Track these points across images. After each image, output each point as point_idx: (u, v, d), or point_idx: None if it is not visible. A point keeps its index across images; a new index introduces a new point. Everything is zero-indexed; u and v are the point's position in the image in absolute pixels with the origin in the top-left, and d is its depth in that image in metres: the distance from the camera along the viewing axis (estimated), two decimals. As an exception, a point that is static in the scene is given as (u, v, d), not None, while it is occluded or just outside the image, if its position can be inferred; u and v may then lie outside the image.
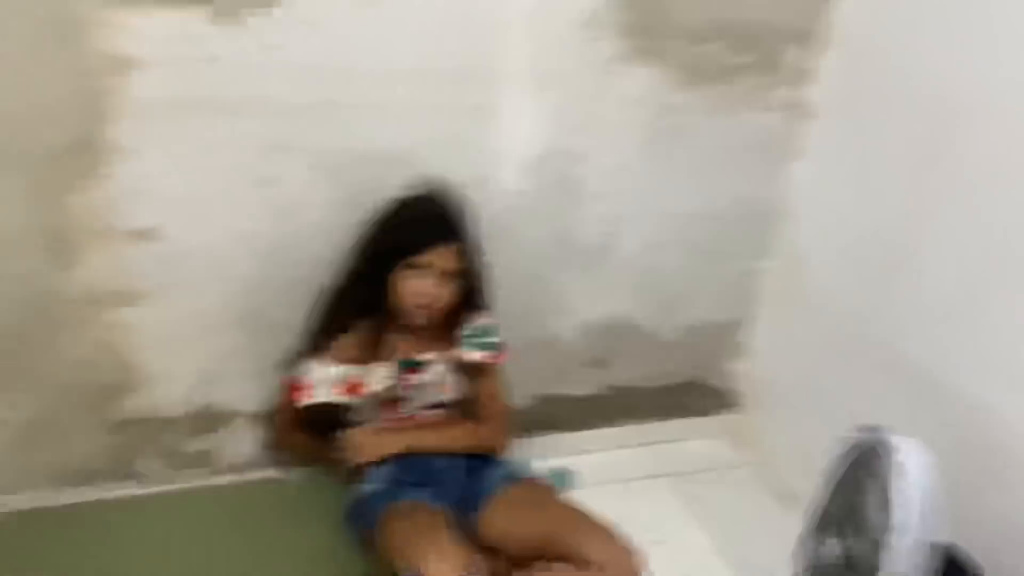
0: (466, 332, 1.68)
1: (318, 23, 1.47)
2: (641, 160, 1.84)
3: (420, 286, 1.55)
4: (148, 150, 1.48)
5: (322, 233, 1.66)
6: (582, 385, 2.11)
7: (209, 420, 1.79)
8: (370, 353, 1.63)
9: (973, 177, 1.52)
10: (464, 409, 1.76)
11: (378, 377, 1.64)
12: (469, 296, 1.66)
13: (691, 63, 1.76)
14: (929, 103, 1.60)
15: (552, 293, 1.94)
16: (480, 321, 1.70)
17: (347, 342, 1.63)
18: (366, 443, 1.64)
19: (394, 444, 1.65)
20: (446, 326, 1.67)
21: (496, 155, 1.72)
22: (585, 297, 1.97)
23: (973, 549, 1.41)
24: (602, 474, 2.11)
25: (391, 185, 1.64)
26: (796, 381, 2.06)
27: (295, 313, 1.70)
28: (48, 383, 1.62)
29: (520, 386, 2.03)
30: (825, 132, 1.89)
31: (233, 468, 1.86)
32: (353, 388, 1.64)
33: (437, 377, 1.69)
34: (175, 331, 1.66)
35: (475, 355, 1.69)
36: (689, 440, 2.29)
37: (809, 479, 2.02)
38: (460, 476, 1.67)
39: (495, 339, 1.71)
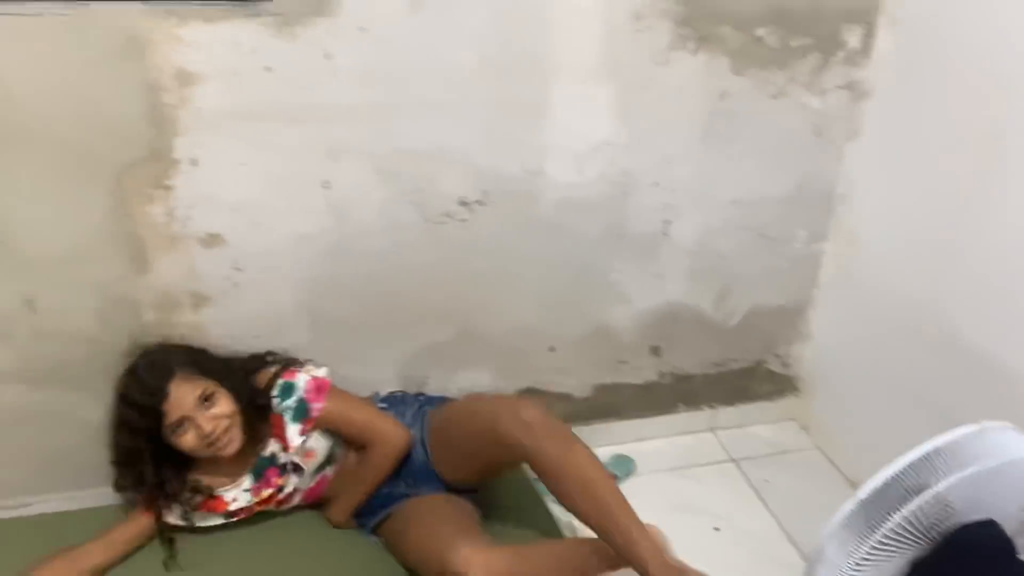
0: (274, 400, 1.59)
1: (369, 28, 1.50)
2: (697, 147, 1.83)
3: (197, 434, 1.48)
4: (213, 159, 1.54)
5: (379, 232, 1.70)
6: (640, 372, 2.12)
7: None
8: (220, 481, 1.60)
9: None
10: (347, 443, 1.70)
11: (234, 494, 1.61)
12: (239, 386, 1.56)
13: (745, 48, 1.73)
14: (986, 80, 1.55)
15: (607, 283, 1.94)
16: (276, 383, 1.60)
17: (200, 475, 1.60)
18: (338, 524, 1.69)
19: (348, 508, 1.68)
20: (259, 414, 1.58)
21: (549, 149, 1.73)
22: (641, 285, 1.97)
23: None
24: (665, 461, 2.13)
25: (445, 182, 1.69)
26: (858, 364, 2.03)
27: (355, 310, 1.77)
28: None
29: (578, 375, 2.06)
30: (881, 112, 1.84)
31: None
32: (212, 507, 1.61)
33: (299, 454, 1.62)
34: (244, 331, 1.72)
35: (296, 433, 1.59)
36: (752, 425, 2.28)
37: (874, 462, 2.00)
38: (410, 461, 1.68)
39: (301, 392, 1.59)
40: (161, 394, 1.46)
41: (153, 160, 1.51)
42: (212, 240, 1.61)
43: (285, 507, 1.68)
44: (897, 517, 1.21)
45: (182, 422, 1.48)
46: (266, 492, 1.61)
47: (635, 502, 1.97)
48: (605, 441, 2.14)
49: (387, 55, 1.54)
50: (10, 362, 1.62)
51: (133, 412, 1.49)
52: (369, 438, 1.65)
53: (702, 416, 2.23)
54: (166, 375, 1.47)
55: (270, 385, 1.60)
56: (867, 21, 1.78)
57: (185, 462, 1.58)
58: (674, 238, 1.93)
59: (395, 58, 1.55)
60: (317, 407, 1.60)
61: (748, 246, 2.00)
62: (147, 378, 1.49)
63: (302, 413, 1.59)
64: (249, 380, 1.61)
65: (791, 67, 1.78)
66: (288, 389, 1.60)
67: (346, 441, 1.68)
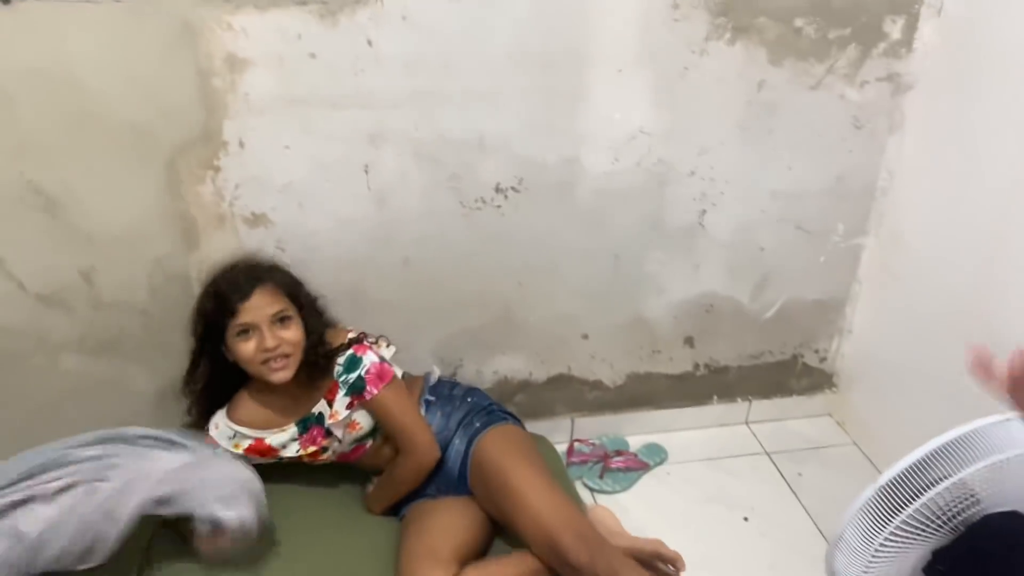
0: (336, 369, 1.62)
1: (411, 16, 1.55)
2: (734, 137, 1.84)
3: (256, 343, 1.51)
4: (259, 142, 1.61)
5: (418, 217, 1.76)
6: (675, 363, 2.13)
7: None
8: (266, 418, 1.63)
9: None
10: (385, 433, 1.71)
11: (282, 440, 1.64)
12: (314, 327, 1.60)
13: (783, 38, 1.74)
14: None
15: (642, 272, 1.96)
16: (345, 352, 1.63)
17: (248, 403, 1.64)
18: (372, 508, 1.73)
19: (381, 505, 1.71)
20: (317, 366, 1.60)
21: (586, 137, 1.76)
22: (676, 275, 1.99)
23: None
24: (697, 451, 2.14)
25: (482, 169, 1.73)
26: (897, 360, 2.01)
27: (393, 292, 1.83)
28: (180, 356, 1.78)
29: (611, 363, 2.09)
30: (924, 105, 1.83)
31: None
32: (259, 450, 1.64)
33: (340, 425, 1.64)
34: (287, 309, 1.79)
35: (343, 406, 1.61)
36: (787, 420, 2.27)
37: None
38: (446, 473, 1.70)
39: (362, 371, 1.61)
40: (244, 293, 1.49)
41: (204, 142, 1.58)
42: (257, 220, 1.68)
43: (317, 462, 1.71)
44: (917, 504, 1.21)
45: (249, 328, 1.51)
46: (311, 448, 1.65)
47: (666, 491, 2.01)
48: (638, 430, 2.17)
49: (428, 43, 1.59)
50: (69, 333, 1.71)
51: (212, 301, 1.53)
52: (402, 444, 1.65)
53: (737, 409, 2.24)
54: (256, 280, 1.52)
55: (338, 351, 1.63)
56: (909, 12, 1.77)
57: (236, 383, 1.64)
58: (711, 229, 1.94)
59: (436, 46, 1.60)
60: (371, 391, 1.61)
61: (786, 238, 2.00)
62: (239, 274, 1.54)
63: (355, 390, 1.61)
64: (325, 329, 1.64)
65: (830, 58, 1.78)
66: (353, 363, 1.62)
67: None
